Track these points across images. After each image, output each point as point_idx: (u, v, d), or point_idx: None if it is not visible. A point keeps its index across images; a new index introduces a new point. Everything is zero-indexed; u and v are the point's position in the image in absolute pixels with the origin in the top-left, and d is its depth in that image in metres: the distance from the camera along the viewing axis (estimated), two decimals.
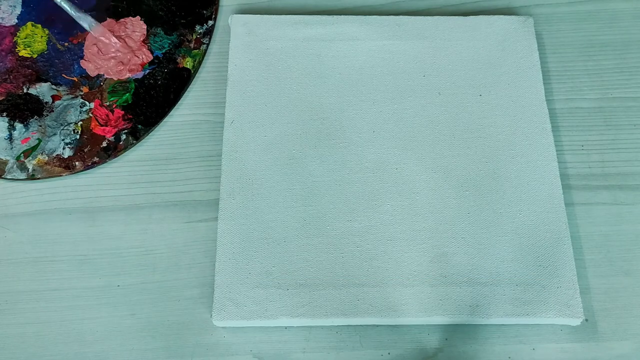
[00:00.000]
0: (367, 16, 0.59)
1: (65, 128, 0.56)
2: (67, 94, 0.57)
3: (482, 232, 0.50)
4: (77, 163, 0.54)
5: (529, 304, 0.48)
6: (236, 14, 0.60)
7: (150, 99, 0.57)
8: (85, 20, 0.46)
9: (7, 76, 0.58)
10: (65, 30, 0.60)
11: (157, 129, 0.56)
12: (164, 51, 0.59)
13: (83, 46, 0.59)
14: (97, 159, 0.55)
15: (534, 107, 0.54)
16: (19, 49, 0.59)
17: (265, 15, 0.59)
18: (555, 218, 0.50)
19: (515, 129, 0.54)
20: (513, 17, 0.58)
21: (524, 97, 0.55)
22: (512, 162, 0.52)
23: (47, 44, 0.59)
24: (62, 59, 0.59)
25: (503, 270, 0.49)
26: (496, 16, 0.58)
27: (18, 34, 0.60)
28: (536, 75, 0.56)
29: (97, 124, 0.56)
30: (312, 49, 0.58)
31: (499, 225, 0.50)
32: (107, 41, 0.49)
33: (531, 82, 0.55)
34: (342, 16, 0.59)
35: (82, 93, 0.57)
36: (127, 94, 0.57)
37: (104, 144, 0.55)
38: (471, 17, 0.58)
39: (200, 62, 0.58)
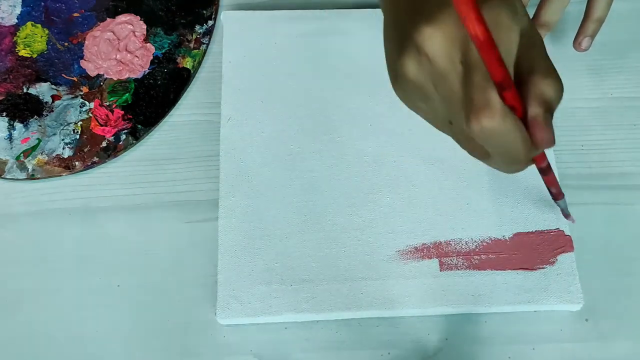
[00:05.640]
0: (361, 10, 0.58)
1: (65, 128, 0.56)
2: (67, 94, 0.57)
3: (481, 222, 0.50)
4: (76, 163, 0.54)
5: (530, 292, 0.48)
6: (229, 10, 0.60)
7: (150, 99, 0.57)
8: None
9: (7, 76, 0.58)
10: (65, 30, 0.60)
11: (156, 129, 0.56)
12: (163, 51, 0.59)
13: (83, 46, 0.59)
14: (97, 159, 0.55)
15: None
16: (18, 48, 0.59)
17: (257, 11, 0.59)
18: (554, 216, 0.50)
19: None
20: None
21: None
22: None
23: (47, 44, 0.59)
24: (62, 59, 0.59)
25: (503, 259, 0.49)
26: None
27: (18, 33, 0.60)
28: None
29: (97, 124, 0.56)
30: (306, 44, 0.57)
31: (498, 215, 0.50)
32: None
33: None
34: (336, 10, 0.59)
35: (82, 93, 0.57)
36: (127, 94, 0.57)
37: (104, 144, 0.55)
38: None
39: (200, 62, 0.58)
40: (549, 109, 0.34)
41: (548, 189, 0.47)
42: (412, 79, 0.34)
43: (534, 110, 0.33)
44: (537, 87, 0.34)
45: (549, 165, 0.42)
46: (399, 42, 0.35)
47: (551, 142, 0.34)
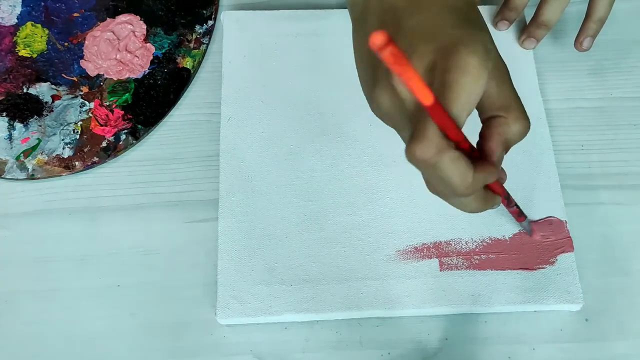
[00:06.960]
0: None
1: (65, 128, 0.56)
2: (67, 94, 0.57)
3: (481, 222, 0.50)
4: (76, 163, 0.54)
5: (529, 292, 0.48)
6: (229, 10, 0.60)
7: (150, 99, 0.57)
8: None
9: (6, 76, 0.58)
10: (65, 30, 0.60)
11: (156, 129, 0.56)
12: (163, 51, 0.59)
13: (83, 46, 0.59)
14: (97, 158, 0.55)
15: (529, 98, 0.54)
16: (18, 48, 0.59)
17: (258, 11, 0.59)
18: (554, 216, 0.50)
19: None
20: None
21: (518, 86, 0.55)
22: (509, 153, 0.53)
23: (47, 44, 0.59)
24: (62, 59, 0.59)
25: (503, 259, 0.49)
26: (487, 6, 0.58)
27: (18, 33, 0.60)
28: (530, 63, 0.56)
29: (97, 124, 0.56)
30: (306, 44, 0.57)
31: (498, 215, 0.50)
32: None
33: (525, 70, 0.56)
34: (336, 10, 0.59)
35: (81, 93, 0.57)
36: (127, 94, 0.57)
37: (104, 144, 0.55)
38: None
39: (200, 62, 0.58)
40: (506, 148, 0.36)
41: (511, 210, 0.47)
42: (386, 111, 0.36)
43: (493, 146, 0.35)
44: (505, 127, 0.35)
45: (507, 196, 0.43)
46: (373, 72, 0.36)
47: (497, 176, 0.36)
